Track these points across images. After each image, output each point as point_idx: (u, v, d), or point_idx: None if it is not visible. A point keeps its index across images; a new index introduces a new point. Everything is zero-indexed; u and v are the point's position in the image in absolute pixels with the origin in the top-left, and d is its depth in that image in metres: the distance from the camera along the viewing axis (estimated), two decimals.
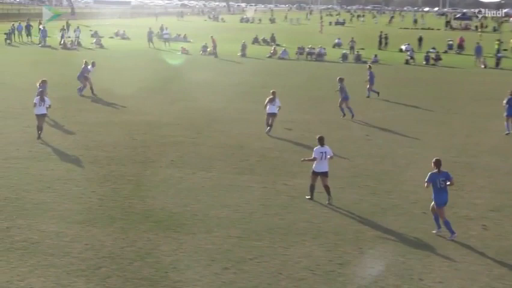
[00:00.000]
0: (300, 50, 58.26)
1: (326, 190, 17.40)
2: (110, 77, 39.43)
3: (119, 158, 21.24)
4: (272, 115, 25.47)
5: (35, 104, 23.55)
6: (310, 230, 15.47)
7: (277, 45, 66.03)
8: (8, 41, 62.32)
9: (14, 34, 65.23)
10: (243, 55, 57.58)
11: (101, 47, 62.31)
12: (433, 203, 15.16)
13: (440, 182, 14.93)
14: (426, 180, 15.08)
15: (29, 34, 66.67)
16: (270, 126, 25.60)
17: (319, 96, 35.61)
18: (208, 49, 58.15)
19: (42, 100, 23.48)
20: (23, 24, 67.93)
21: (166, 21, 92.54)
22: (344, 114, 29.27)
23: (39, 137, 23.41)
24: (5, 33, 63.74)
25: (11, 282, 12.26)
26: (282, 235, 15.08)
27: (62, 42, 61.50)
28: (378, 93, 35.33)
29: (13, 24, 67.22)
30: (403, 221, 16.27)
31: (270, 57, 57.52)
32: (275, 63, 53.23)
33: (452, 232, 15.05)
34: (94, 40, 64.85)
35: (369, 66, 37.06)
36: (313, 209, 16.90)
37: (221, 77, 43.09)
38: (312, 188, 17.57)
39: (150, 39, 64.34)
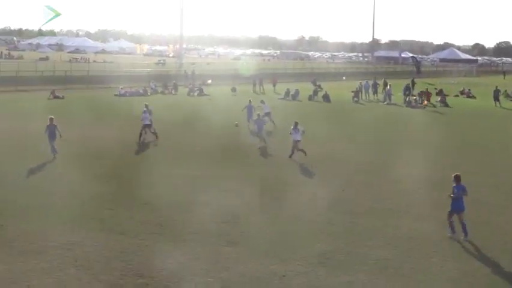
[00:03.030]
0: None
1: None
2: (457, 134, 38.97)
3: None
4: None
5: None
6: None
7: None
8: (355, 99, 65.01)
9: (361, 92, 68.00)
10: None
11: (446, 105, 62.00)
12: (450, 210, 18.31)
13: (458, 193, 18.09)
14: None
15: (375, 92, 69.05)
16: None
17: None
18: None
19: None
20: (370, 82, 70.64)
21: None
22: None
23: None
24: (352, 91, 66.74)
25: None
26: None
27: (406, 100, 62.57)
28: None
29: (360, 83, 70.22)
30: None
31: None
32: None
33: (466, 233, 18.07)
34: (439, 98, 64.84)
35: None
36: None
37: None
38: None
39: (496, 98, 62.48)
